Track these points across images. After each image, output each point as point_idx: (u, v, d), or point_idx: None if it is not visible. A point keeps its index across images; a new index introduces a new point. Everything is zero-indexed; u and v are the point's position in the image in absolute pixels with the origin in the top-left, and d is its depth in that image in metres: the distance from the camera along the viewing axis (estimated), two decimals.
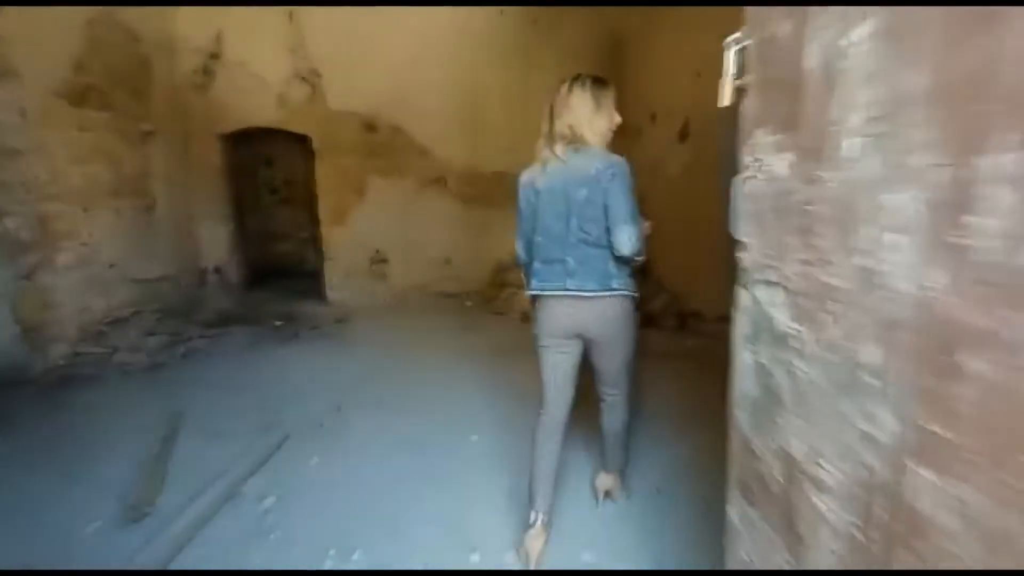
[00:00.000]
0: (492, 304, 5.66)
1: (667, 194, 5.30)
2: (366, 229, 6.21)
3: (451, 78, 6.12)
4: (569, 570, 1.83)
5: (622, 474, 2.17)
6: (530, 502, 1.86)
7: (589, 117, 1.75)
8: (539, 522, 1.82)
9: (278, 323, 5.19)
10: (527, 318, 4.39)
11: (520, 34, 6.16)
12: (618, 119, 1.85)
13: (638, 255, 1.70)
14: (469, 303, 6.15)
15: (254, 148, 7.46)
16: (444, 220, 6.37)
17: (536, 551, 1.78)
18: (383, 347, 4.47)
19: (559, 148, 1.76)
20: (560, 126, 1.76)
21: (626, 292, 1.76)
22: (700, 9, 4.46)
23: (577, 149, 1.74)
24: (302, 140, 6.16)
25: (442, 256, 6.42)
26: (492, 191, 6.38)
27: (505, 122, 6.26)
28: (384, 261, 6.35)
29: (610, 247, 1.68)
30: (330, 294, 6.20)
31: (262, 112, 5.86)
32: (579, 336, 1.81)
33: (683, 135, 4.89)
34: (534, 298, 1.86)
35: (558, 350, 1.83)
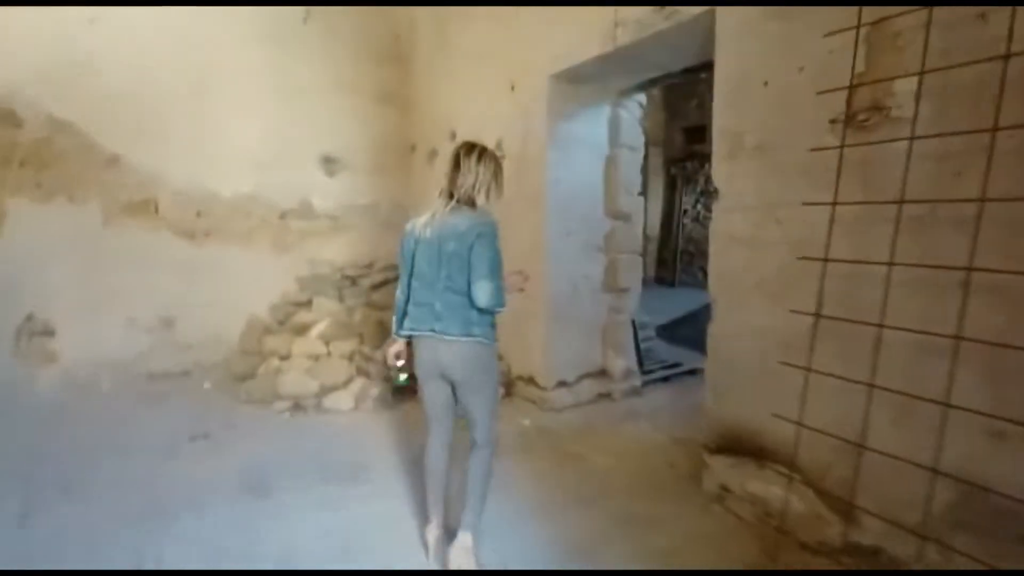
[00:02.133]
0: (247, 385, 3.89)
1: None
2: (7, 284, 3.77)
3: (169, 53, 4.17)
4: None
5: (473, 536, 2.04)
6: (428, 512, 2.11)
7: (486, 187, 1.93)
8: (435, 523, 2.09)
9: None
10: (298, 407, 3.67)
11: (281, 24, 4.59)
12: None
13: (497, 307, 1.86)
14: (208, 385, 4.20)
15: None
16: (159, 263, 4.31)
17: (435, 541, 2.06)
18: None
19: (446, 204, 1.91)
20: (458, 187, 1.91)
21: (484, 340, 1.90)
22: (515, 9, 3.66)
23: (460, 207, 1.89)
24: None
25: (158, 316, 4.32)
26: (237, 220, 4.58)
27: (257, 129, 4.57)
28: (48, 333, 3.95)
29: (470, 297, 1.84)
30: None
31: None
32: (443, 376, 1.96)
33: None
34: (408, 338, 2.04)
35: (432, 385, 2.01)
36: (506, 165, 3.98)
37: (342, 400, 3.70)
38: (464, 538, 1.98)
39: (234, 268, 4.60)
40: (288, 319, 4.42)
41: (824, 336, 1.96)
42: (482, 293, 1.78)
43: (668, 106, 10.17)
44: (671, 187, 10.65)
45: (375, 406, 3.72)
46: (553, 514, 2.42)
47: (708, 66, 3.11)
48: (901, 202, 1.68)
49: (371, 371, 3.91)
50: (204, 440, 3.23)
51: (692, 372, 4.47)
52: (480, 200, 1.91)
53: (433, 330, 1.88)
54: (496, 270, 1.82)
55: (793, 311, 2.05)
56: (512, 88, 3.76)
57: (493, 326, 1.94)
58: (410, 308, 1.97)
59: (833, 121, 1.94)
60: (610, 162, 3.73)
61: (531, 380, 3.83)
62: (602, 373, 3.89)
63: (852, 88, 1.86)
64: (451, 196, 1.90)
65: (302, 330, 4.29)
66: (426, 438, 2.09)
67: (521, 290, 2.15)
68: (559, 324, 3.64)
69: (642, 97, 3.85)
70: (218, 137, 4.45)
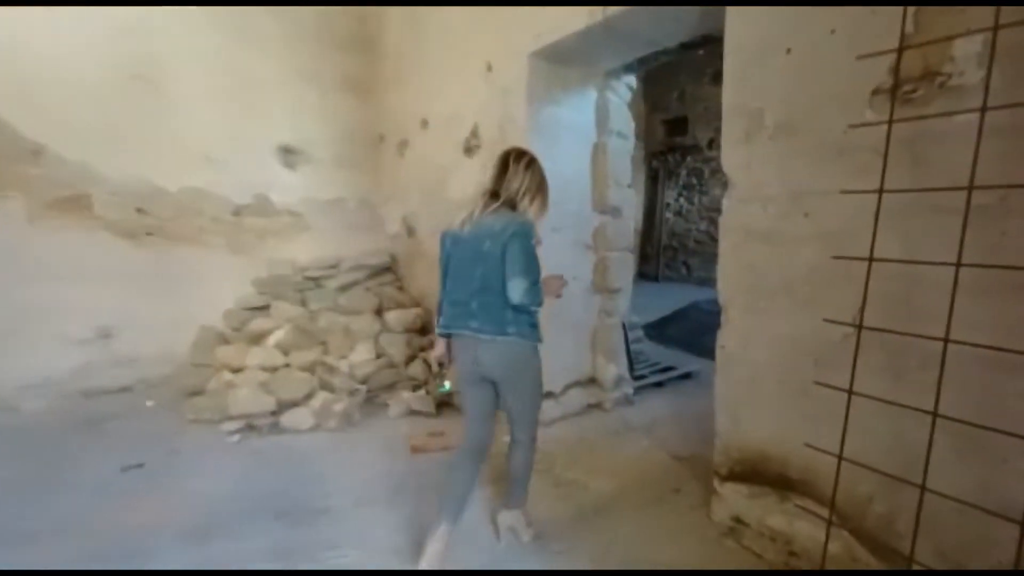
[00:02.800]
0: (195, 402, 3.45)
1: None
2: None
3: (100, 38, 3.68)
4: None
5: (524, 512, 2.20)
6: (437, 515, 1.98)
7: (531, 194, 1.95)
8: (442, 528, 1.95)
9: None
10: (251, 427, 3.27)
11: (235, 7, 4.13)
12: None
13: (532, 305, 1.83)
14: (151, 402, 3.74)
15: None
16: (95, 267, 3.83)
17: (437, 552, 1.92)
18: None
19: (486, 204, 1.91)
20: (504, 188, 1.93)
21: (520, 338, 1.88)
22: None
23: (497, 209, 1.90)
24: None
25: (94, 327, 3.84)
26: (185, 219, 4.12)
27: (208, 119, 4.11)
28: None
29: (506, 295, 1.83)
30: None
31: None
32: (484, 377, 1.96)
33: (470, 147, 3.64)
34: (447, 337, 2.06)
35: (470, 386, 2.01)
36: (483, 155, 3.62)
37: (302, 418, 3.29)
38: (513, 513, 2.14)
39: (183, 271, 4.14)
40: (243, 326, 3.98)
41: (867, 350, 1.65)
42: (516, 291, 1.78)
43: (648, 98, 9.90)
44: (653, 180, 10.41)
45: (340, 424, 3.32)
46: (545, 559, 2.08)
47: (707, 41, 2.80)
48: (970, 188, 1.37)
49: (336, 383, 3.51)
50: (139, 471, 2.79)
51: (687, 376, 4.18)
52: (523, 206, 1.93)
53: (469, 328, 1.90)
54: (530, 269, 1.82)
55: (828, 320, 1.73)
56: (489, 68, 3.39)
57: (533, 325, 1.94)
58: (446, 307, 2.00)
59: (876, 92, 1.62)
60: (598, 151, 3.39)
61: None
62: (591, 381, 3.56)
63: (901, 51, 1.54)
64: (493, 196, 1.92)
65: (258, 338, 3.86)
66: (462, 444, 2.09)
67: (558, 296, 2.13)
68: (546, 330, 3.28)
69: (632, 80, 3.51)
70: (161, 128, 3.97)
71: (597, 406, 3.52)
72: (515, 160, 1.96)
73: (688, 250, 9.90)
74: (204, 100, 4.10)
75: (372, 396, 3.66)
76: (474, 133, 3.57)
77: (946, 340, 1.40)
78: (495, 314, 1.86)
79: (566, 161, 3.29)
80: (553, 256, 3.27)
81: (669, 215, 10.21)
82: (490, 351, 1.89)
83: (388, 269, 4.73)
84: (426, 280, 4.38)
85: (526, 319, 1.91)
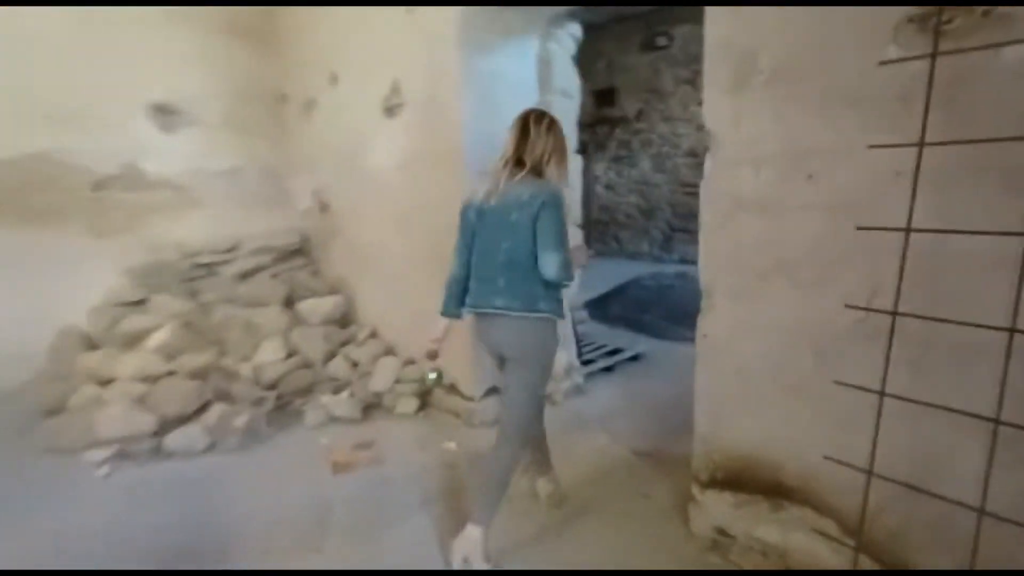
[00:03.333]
0: (51, 426, 2.73)
1: (374, 206, 3.42)
2: None
3: None
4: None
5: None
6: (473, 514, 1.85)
7: (555, 157, 1.83)
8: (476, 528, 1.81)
9: None
10: (125, 455, 2.62)
11: None
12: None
13: (565, 280, 1.74)
14: None
15: None
16: None
17: (469, 551, 1.79)
18: None
19: (511, 172, 1.79)
20: (527, 153, 1.81)
21: (551, 315, 1.79)
22: None
23: (522, 176, 1.78)
24: None
25: None
26: (28, 194, 3.27)
27: (50, 70, 3.24)
28: None
29: (536, 270, 1.73)
30: None
31: None
32: (500, 354, 1.87)
33: (391, 106, 3.09)
34: (454, 318, 1.97)
35: (501, 364, 1.91)
36: (410, 115, 3.08)
37: (193, 438, 2.68)
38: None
39: (33, 260, 3.30)
40: (114, 326, 3.24)
41: (878, 340, 1.38)
42: (550, 266, 1.69)
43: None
44: (582, 153, 10.15)
45: (243, 441, 2.75)
46: None
47: None
48: None
49: (236, 392, 2.92)
50: None
51: (635, 358, 3.94)
52: (549, 172, 1.83)
53: (496, 306, 1.80)
54: (563, 241, 1.71)
55: (851, 306, 1.44)
56: (409, 9, 2.84)
57: (560, 301, 1.84)
58: (472, 284, 1.90)
59: (911, 20, 1.31)
60: None
61: (453, 388, 3.05)
62: None
63: None
64: (518, 164, 1.81)
65: (134, 341, 3.15)
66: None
67: (584, 266, 2.05)
68: None
69: (576, 29, 3.10)
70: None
71: (546, 399, 3.17)
72: (535, 122, 1.83)
73: (618, 224, 9.81)
74: (43, 42, 3.22)
75: (283, 404, 3.09)
76: (395, 89, 3.03)
77: (1012, 330, 1.13)
78: (524, 290, 1.75)
79: (506, 122, 2.84)
80: None
81: (599, 189, 10.05)
82: (514, 329, 1.78)
83: (299, 251, 4.09)
84: (345, 263, 3.81)
85: (555, 294, 1.81)
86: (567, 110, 3.03)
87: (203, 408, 2.80)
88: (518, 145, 1.81)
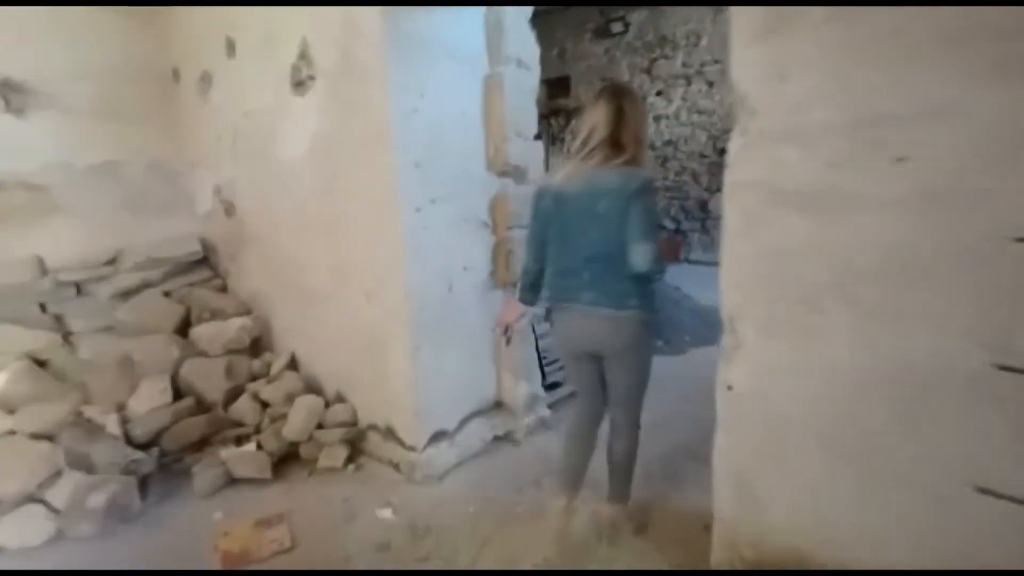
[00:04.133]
0: None
1: (290, 207, 2.76)
2: None
3: None
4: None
5: (625, 507, 1.95)
6: (560, 488, 1.93)
7: (644, 136, 1.70)
8: (567, 505, 1.90)
9: None
10: None
11: None
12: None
13: (658, 273, 1.64)
14: None
15: None
16: None
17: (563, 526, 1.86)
18: None
19: (604, 158, 1.64)
20: (597, 138, 1.65)
21: (641, 311, 1.67)
22: None
23: (607, 162, 1.63)
24: None
25: None
26: None
27: None
28: None
29: (627, 263, 1.62)
30: None
31: None
32: (591, 353, 1.78)
33: (301, 80, 2.44)
34: (547, 309, 1.86)
35: (577, 364, 1.84)
36: (323, 89, 2.43)
37: (30, 527, 1.97)
38: (615, 509, 1.90)
39: None
40: None
41: (991, 396, 0.90)
42: (642, 257, 1.57)
43: None
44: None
45: (104, 525, 2.05)
46: None
47: None
48: None
49: (98, 455, 2.21)
50: None
51: None
52: (640, 155, 1.67)
53: (581, 302, 1.69)
54: (656, 232, 1.61)
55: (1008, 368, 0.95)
56: None
57: (652, 295, 1.70)
58: (550, 277, 1.79)
59: None
60: (491, 87, 2.39)
61: (390, 433, 2.44)
62: (497, 407, 2.65)
63: None
64: (612, 146, 1.63)
65: None
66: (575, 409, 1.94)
67: (676, 259, 1.74)
68: (430, 344, 2.29)
69: None
70: None
71: (505, 438, 2.61)
72: (629, 98, 1.67)
73: None
74: None
75: (168, 463, 2.40)
76: (304, 57, 2.38)
77: None
78: (613, 285, 1.65)
79: (447, 101, 2.26)
80: (432, 238, 2.26)
81: None
82: (607, 327, 1.68)
83: (202, 263, 3.37)
84: (260, 275, 3.12)
85: (646, 288, 1.69)
86: (523, 84, 2.47)
87: (48, 483, 2.09)
88: (613, 123, 1.62)
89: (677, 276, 3.41)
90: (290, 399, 2.61)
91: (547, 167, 9.88)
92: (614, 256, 1.61)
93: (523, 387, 2.61)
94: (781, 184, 1.14)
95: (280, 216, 2.85)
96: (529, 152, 2.53)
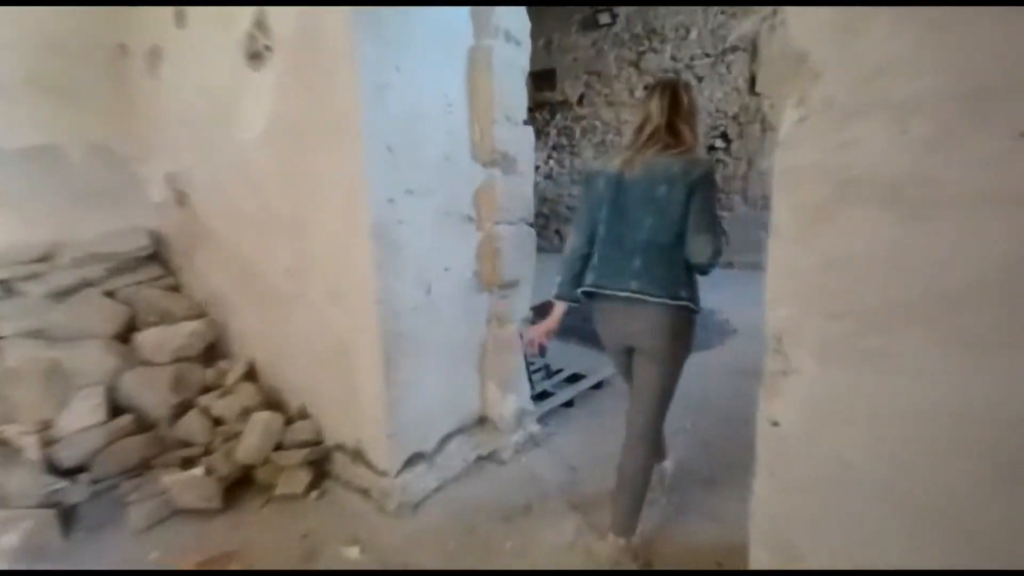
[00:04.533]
0: None
1: (249, 198, 2.45)
2: None
3: None
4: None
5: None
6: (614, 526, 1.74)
7: (686, 120, 1.64)
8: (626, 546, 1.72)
9: None
10: None
11: None
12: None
13: (715, 265, 1.59)
14: None
15: None
16: None
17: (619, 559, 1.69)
18: None
19: (647, 147, 1.62)
20: (652, 126, 1.62)
21: (691, 304, 1.61)
22: None
23: (667, 147, 1.61)
24: None
25: None
26: None
27: None
28: None
29: (682, 252, 1.58)
30: None
31: None
32: (629, 345, 1.71)
33: (257, 51, 2.12)
34: (588, 296, 1.74)
35: (623, 357, 1.76)
36: (282, 63, 2.07)
37: None
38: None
39: None
40: None
41: None
42: (704, 247, 1.54)
43: None
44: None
45: (18, 566, 1.73)
46: None
47: None
48: None
49: (14, 485, 1.88)
50: None
51: (599, 386, 3.19)
52: (698, 145, 1.65)
53: (628, 289, 1.61)
54: (717, 222, 1.57)
55: None
56: None
57: (697, 288, 1.65)
58: (598, 262, 1.70)
59: None
60: (477, 62, 2.11)
61: (359, 456, 2.15)
62: (481, 423, 2.38)
63: None
64: (672, 133, 1.61)
65: None
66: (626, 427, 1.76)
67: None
68: (404, 355, 2.01)
69: None
70: None
71: (490, 458, 2.35)
72: (682, 88, 1.65)
73: (560, 217, 9.12)
74: None
75: (102, 491, 2.08)
76: (260, 25, 2.06)
77: None
78: (664, 274, 1.58)
79: (425, 77, 1.97)
80: (407, 235, 1.97)
81: (539, 179, 9.31)
82: (651, 318, 1.60)
83: (152, 260, 3.02)
84: (216, 273, 2.79)
85: (694, 282, 1.63)
86: (513, 61, 2.19)
87: None
88: (670, 110, 1.61)
89: None
90: (246, 415, 2.30)
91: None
92: (667, 244, 1.57)
93: (510, 401, 2.35)
94: (855, 172, 0.88)
95: (238, 207, 2.53)
96: (519, 139, 2.25)
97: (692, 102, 1.65)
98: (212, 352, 2.73)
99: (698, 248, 1.54)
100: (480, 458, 2.32)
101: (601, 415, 2.89)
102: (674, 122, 1.60)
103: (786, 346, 1.00)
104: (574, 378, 3.18)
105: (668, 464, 2.12)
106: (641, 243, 1.60)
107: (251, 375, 2.57)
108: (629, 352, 1.72)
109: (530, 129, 2.31)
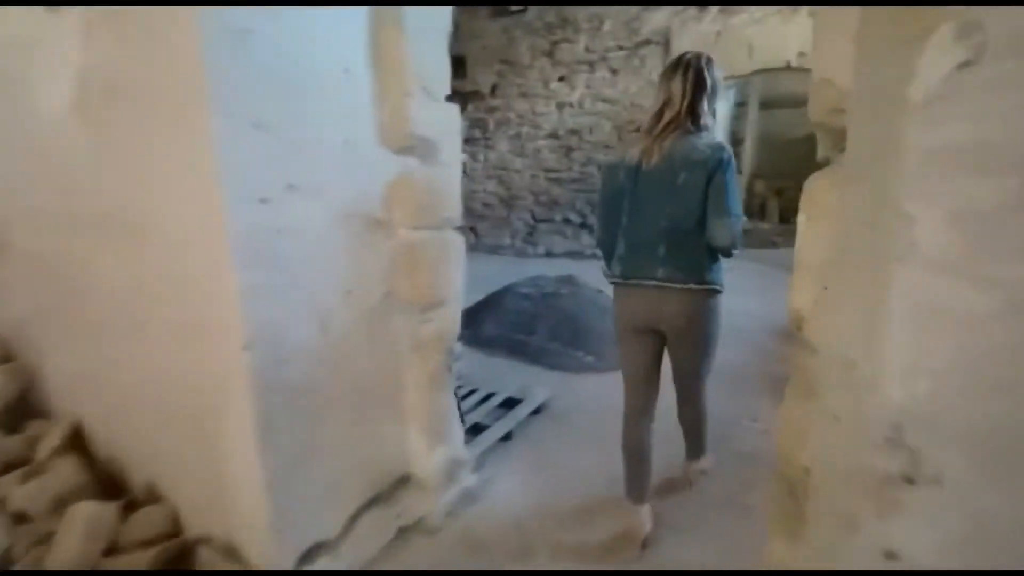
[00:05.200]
0: None
1: (59, 192, 1.74)
2: None
3: None
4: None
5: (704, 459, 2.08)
6: (626, 492, 1.82)
7: (708, 101, 1.62)
8: (641, 509, 1.80)
9: None
10: None
11: None
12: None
13: (737, 248, 1.58)
14: None
15: None
16: None
17: (640, 534, 1.75)
18: None
19: (666, 133, 1.60)
20: (674, 109, 1.60)
21: (717, 286, 1.65)
22: None
23: (687, 132, 1.59)
24: None
25: None
26: None
27: None
28: None
29: (704, 237, 1.59)
30: None
31: None
32: (657, 330, 1.72)
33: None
34: (614, 284, 1.77)
35: (638, 341, 1.76)
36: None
37: None
38: (698, 461, 2.06)
39: None
40: None
41: None
42: (725, 231, 1.54)
43: None
44: None
45: None
46: None
47: None
48: None
49: None
50: None
51: (537, 411, 2.78)
52: (709, 122, 1.63)
53: (655, 278, 1.63)
54: (739, 206, 1.56)
55: None
56: None
57: (721, 271, 1.67)
58: (623, 252, 1.70)
59: None
60: (383, 24, 1.58)
61: (234, 554, 1.56)
62: (403, 482, 1.86)
63: None
64: (692, 118, 1.59)
65: None
66: (624, 411, 1.83)
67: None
68: (292, 415, 1.45)
69: None
70: None
71: (417, 527, 1.85)
72: (706, 64, 1.60)
73: (476, 214, 8.65)
74: None
75: None
76: None
77: None
78: (688, 259, 1.60)
79: (308, 26, 1.42)
80: (290, 248, 1.42)
81: None
82: (678, 303, 1.62)
83: None
84: (22, 298, 2.02)
85: (719, 263, 1.65)
86: (432, 18, 1.69)
87: None
88: (693, 94, 1.57)
89: (595, 278, 2.86)
90: (60, 506, 1.61)
91: None
92: (691, 230, 1.57)
93: (440, 453, 1.86)
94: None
95: (47, 206, 1.81)
96: (442, 119, 1.76)
97: (716, 82, 1.61)
98: (19, 410, 1.97)
99: (719, 232, 1.54)
100: (403, 530, 1.81)
101: (543, 447, 2.48)
102: (696, 104, 1.57)
103: (913, 441, 0.62)
104: (509, 403, 2.75)
105: (705, 463, 2.14)
106: (664, 230, 1.60)
107: (76, 442, 1.86)
108: (649, 335, 1.73)
109: (455, 108, 1.83)
